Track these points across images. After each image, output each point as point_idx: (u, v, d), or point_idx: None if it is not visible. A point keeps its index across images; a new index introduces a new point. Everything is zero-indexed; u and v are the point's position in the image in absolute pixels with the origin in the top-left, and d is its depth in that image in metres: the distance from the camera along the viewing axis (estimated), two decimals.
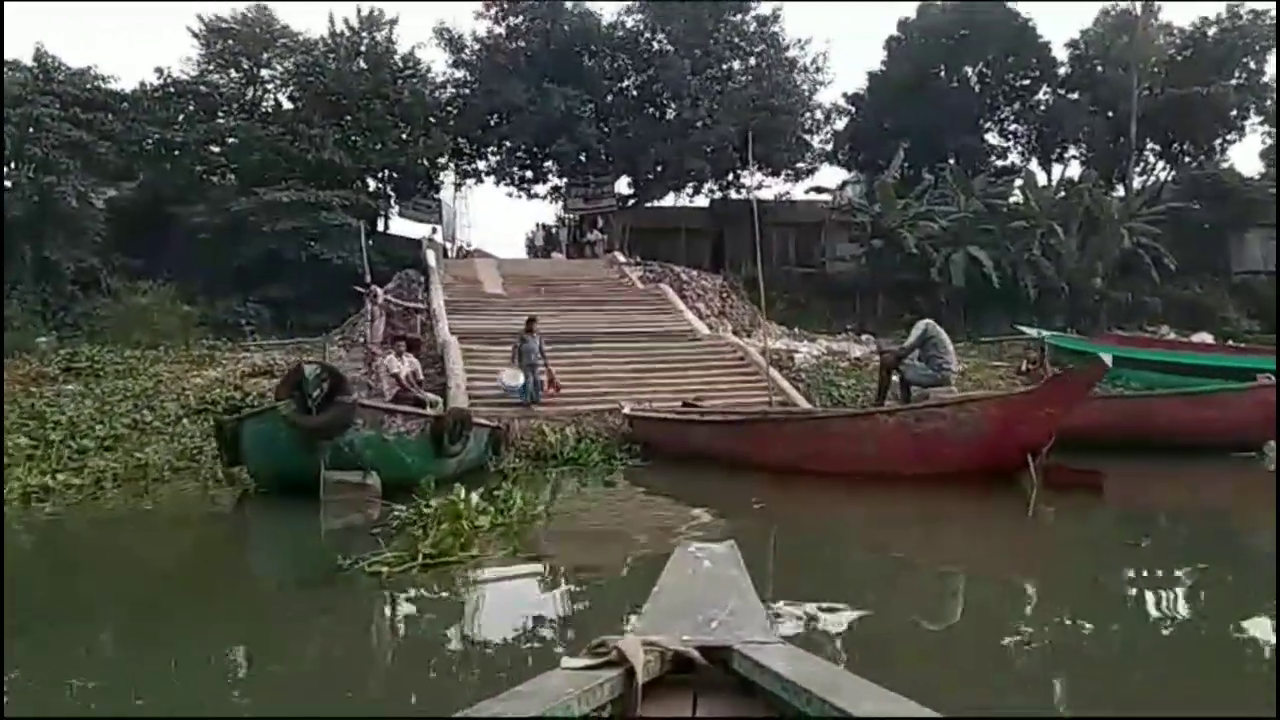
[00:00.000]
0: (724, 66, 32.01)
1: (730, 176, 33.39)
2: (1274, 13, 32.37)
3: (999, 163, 37.09)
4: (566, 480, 11.30)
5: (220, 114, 29.53)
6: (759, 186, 33.98)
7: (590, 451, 12.38)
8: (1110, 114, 35.00)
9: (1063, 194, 30.97)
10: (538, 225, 37.31)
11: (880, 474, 9.33)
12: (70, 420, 12.70)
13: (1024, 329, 23.77)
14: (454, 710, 1.63)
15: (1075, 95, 36.29)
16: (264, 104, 31.22)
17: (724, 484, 10.57)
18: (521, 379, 14.23)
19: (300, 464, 8.99)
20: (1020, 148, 38.69)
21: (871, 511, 8.80)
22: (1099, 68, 35.92)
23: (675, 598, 2.29)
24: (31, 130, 24.42)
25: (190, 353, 20.40)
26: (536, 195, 34.35)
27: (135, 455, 11.43)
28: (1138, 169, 35.47)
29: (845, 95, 37.83)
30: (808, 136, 34.43)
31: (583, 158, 31.34)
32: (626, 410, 13.54)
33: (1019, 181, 32.70)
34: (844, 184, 35.77)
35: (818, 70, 33.31)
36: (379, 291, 11.38)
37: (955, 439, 9.11)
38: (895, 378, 11.83)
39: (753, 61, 32.32)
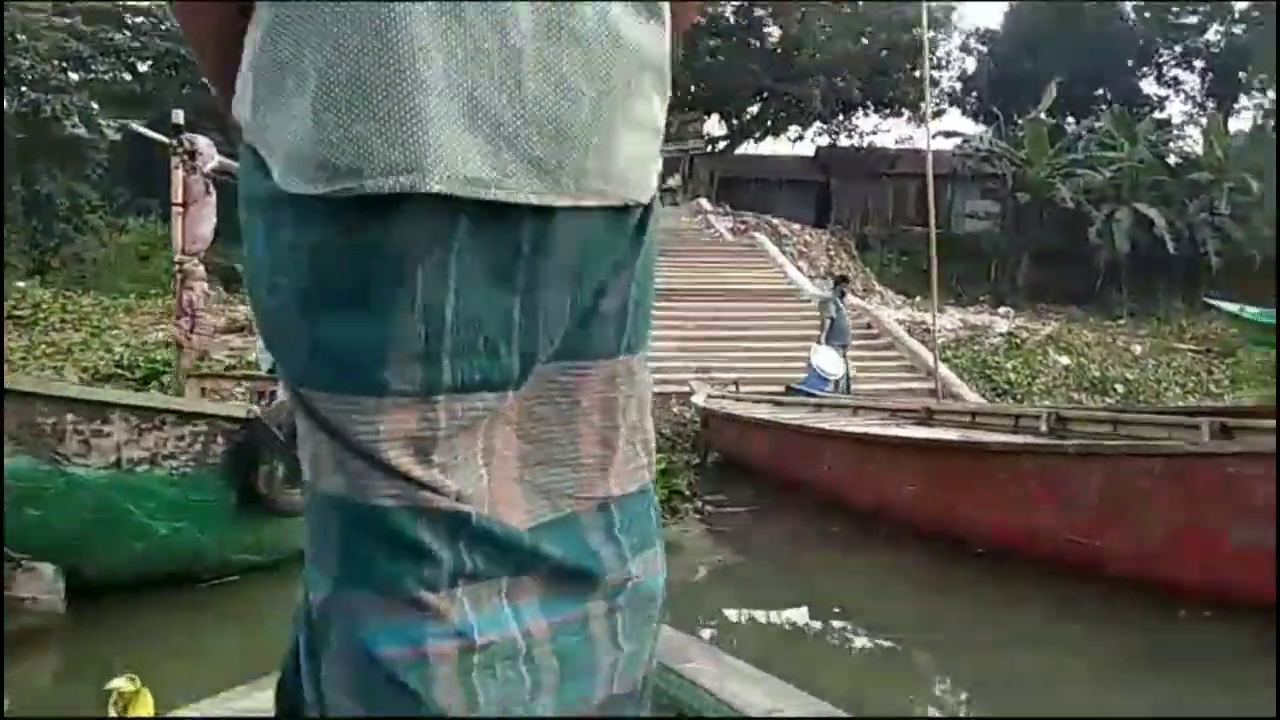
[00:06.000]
0: None
1: (840, 118, 28.29)
2: None
3: (1157, 114, 31.32)
4: None
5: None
6: (874, 132, 28.96)
7: None
8: None
9: (1250, 140, 25.33)
10: None
11: None
12: None
13: (1216, 303, 19.48)
14: None
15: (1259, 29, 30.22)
16: None
17: (917, 576, 5.22)
18: (841, 366, 10.15)
19: None
20: (1184, 96, 32.98)
21: None
22: None
23: None
24: (21, 37, 20.67)
25: (168, 302, 16.78)
26: None
27: None
28: None
29: (976, 31, 32.40)
30: (935, 72, 29.05)
31: None
32: (699, 400, 8.54)
33: (1191, 130, 27.17)
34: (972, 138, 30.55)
35: None
36: (204, 147, 4.61)
37: None
38: None
39: None
